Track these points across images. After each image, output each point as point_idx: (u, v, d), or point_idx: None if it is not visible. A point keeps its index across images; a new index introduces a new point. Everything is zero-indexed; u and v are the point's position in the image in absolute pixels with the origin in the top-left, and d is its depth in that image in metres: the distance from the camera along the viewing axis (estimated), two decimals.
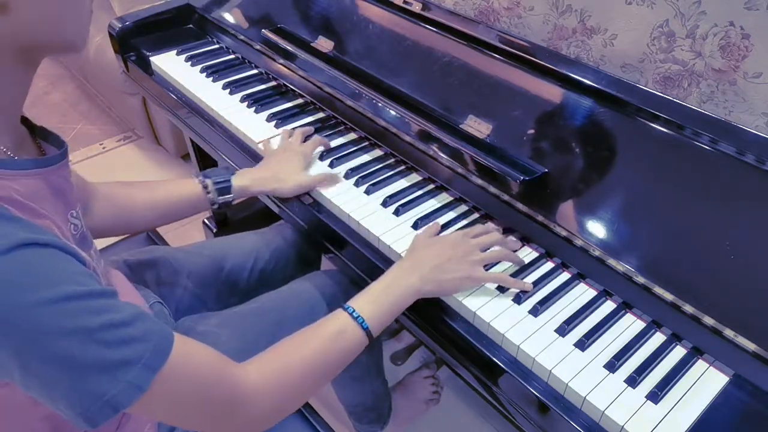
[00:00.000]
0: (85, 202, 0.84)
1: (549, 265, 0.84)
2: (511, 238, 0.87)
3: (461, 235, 0.82)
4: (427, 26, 1.06)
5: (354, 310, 0.72)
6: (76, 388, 0.48)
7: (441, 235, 0.87)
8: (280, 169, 0.96)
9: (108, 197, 0.88)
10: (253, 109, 1.16)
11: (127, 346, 0.50)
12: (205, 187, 0.93)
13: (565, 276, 0.82)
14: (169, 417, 0.61)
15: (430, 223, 0.89)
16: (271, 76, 1.25)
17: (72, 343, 0.46)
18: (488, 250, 0.82)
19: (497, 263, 0.83)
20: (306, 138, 1.06)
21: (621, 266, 0.76)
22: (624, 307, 0.78)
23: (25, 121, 0.62)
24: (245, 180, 0.96)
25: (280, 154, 1.00)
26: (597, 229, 0.80)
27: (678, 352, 0.73)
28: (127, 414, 0.73)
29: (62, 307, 0.46)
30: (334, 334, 0.70)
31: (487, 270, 0.81)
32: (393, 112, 1.01)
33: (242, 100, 1.18)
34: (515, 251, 0.85)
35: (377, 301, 0.74)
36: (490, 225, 0.88)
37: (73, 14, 0.53)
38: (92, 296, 0.48)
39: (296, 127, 1.10)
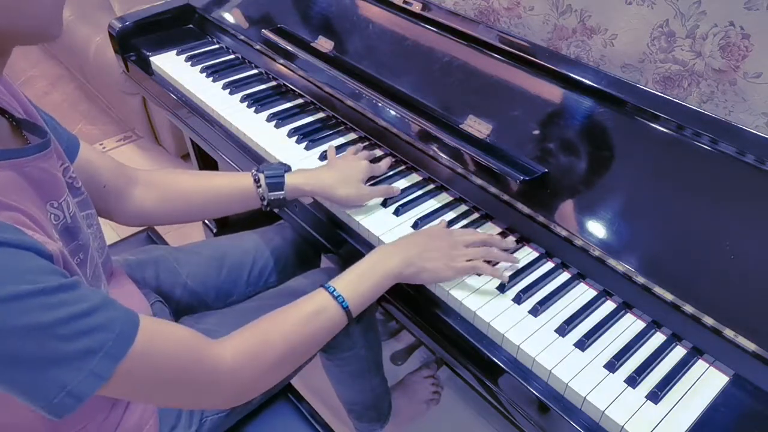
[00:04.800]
0: (123, 188, 0.84)
1: (549, 265, 0.84)
2: (510, 238, 0.87)
3: (446, 230, 0.84)
4: (427, 26, 1.06)
5: (335, 290, 0.73)
6: (36, 383, 0.48)
7: (428, 226, 0.88)
8: (339, 175, 0.92)
9: (151, 183, 0.87)
10: (253, 109, 1.16)
11: (87, 337, 0.50)
12: (257, 180, 0.89)
13: (565, 276, 0.82)
14: (143, 398, 0.62)
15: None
16: (271, 76, 1.25)
17: (26, 340, 0.46)
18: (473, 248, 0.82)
19: (496, 263, 0.83)
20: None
21: (621, 266, 0.76)
22: (624, 307, 0.78)
23: (4, 112, 0.62)
24: (300, 178, 0.91)
25: (343, 162, 0.96)
26: (597, 229, 0.80)
27: (678, 352, 0.73)
28: (129, 409, 0.73)
29: (11, 306, 0.46)
30: (313, 312, 0.71)
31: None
32: (393, 112, 1.01)
33: (242, 100, 1.18)
34: (512, 251, 0.85)
35: (358, 281, 0.75)
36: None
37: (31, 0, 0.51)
38: (45, 293, 0.48)
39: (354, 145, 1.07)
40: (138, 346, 0.53)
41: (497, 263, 0.82)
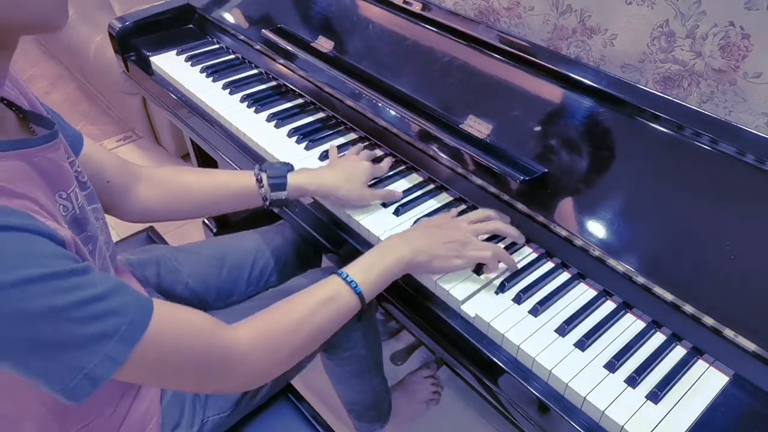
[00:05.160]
0: (127, 185, 0.84)
1: (549, 265, 0.84)
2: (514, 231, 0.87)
3: (459, 220, 0.84)
4: (427, 26, 1.06)
5: (347, 275, 0.73)
6: (52, 366, 0.49)
7: (438, 216, 0.88)
8: (343, 175, 0.91)
9: (154, 180, 0.87)
10: (253, 109, 1.16)
11: (101, 321, 0.50)
12: (259, 180, 0.89)
13: (565, 276, 0.82)
14: (158, 382, 0.63)
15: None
16: (271, 76, 1.25)
17: (41, 324, 0.47)
18: (485, 240, 0.83)
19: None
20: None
21: (621, 266, 0.76)
22: (624, 307, 0.78)
23: (12, 105, 0.62)
24: (303, 178, 0.91)
25: (346, 162, 0.96)
26: (597, 229, 0.80)
27: (678, 352, 0.73)
28: (133, 406, 0.73)
29: (25, 290, 0.46)
30: (327, 298, 0.71)
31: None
32: (393, 112, 1.01)
33: (242, 100, 1.18)
34: (514, 249, 0.85)
35: (370, 267, 0.75)
36: (492, 213, 0.88)
37: None
38: (59, 276, 0.48)
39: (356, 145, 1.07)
40: (152, 331, 0.54)
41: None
